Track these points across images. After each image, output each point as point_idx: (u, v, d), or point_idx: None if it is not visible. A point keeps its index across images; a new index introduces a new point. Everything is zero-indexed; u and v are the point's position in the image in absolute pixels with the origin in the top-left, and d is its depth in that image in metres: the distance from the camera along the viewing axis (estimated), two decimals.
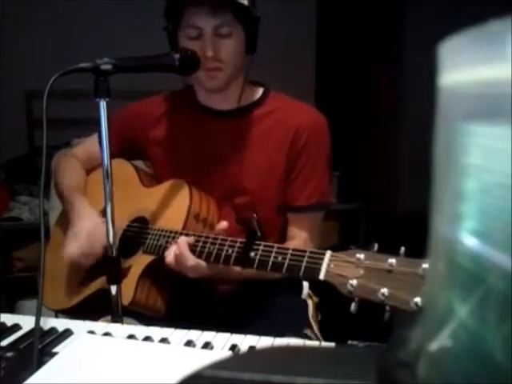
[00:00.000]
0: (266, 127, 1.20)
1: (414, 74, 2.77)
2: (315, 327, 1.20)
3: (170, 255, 1.05)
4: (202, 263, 1.03)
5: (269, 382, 0.29)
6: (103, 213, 1.24)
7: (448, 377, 0.22)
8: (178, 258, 1.04)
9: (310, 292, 1.32)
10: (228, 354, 0.81)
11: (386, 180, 3.18)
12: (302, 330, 1.16)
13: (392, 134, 3.13)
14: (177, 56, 1.06)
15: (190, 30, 1.11)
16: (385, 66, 3.18)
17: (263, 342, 0.86)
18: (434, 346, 0.22)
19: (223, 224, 1.05)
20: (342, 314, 0.84)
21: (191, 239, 1.05)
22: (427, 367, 0.23)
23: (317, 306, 1.28)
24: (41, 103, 0.93)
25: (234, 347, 0.84)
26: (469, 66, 0.21)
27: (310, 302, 1.29)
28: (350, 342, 0.85)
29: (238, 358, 0.39)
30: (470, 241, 0.21)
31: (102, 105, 0.97)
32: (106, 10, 2.87)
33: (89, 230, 1.15)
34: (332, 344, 0.85)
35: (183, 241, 1.04)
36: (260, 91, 1.25)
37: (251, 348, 0.83)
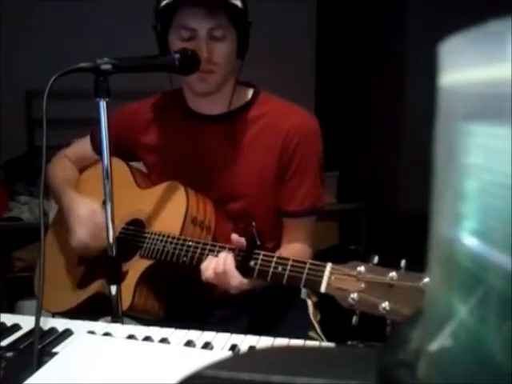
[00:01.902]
0: (257, 130, 1.19)
1: (414, 73, 2.77)
2: (317, 327, 1.20)
3: (208, 271, 1.01)
4: (245, 280, 1.00)
5: (269, 382, 0.29)
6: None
7: (448, 377, 0.22)
8: (220, 275, 0.99)
9: (309, 291, 1.32)
10: (228, 354, 0.81)
11: (386, 180, 3.19)
12: (306, 332, 1.15)
13: (392, 133, 3.13)
14: (177, 56, 1.06)
15: (183, 31, 1.09)
16: (385, 66, 3.18)
17: (263, 342, 0.86)
18: (434, 345, 0.22)
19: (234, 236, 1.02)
20: (341, 314, 0.84)
21: (232, 254, 1.01)
22: (427, 367, 0.23)
23: (316, 306, 1.28)
24: (41, 103, 0.93)
25: (234, 347, 0.84)
26: (469, 66, 0.21)
27: (309, 302, 1.28)
28: (349, 342, 0.85)
29: (238, 358, 0.39)
30: (470, 241, 0.21)
31: (102, 105, 0.97)
32: (105, 10, 2.87)
33: (89, 212, 1.16)
34: (332, 344, 0.85)
35: (230, 258, 1.00)
36: (250, 93, 1.23)
37: (251, 348, 0.83)
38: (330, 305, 0.88)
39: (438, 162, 0.23)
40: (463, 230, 0.21)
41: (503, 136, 0.19)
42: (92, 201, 1.20)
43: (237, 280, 0.99)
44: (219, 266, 0.99)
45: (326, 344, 1.01)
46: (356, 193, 3.15)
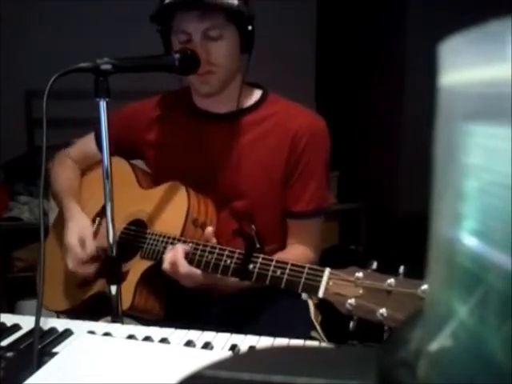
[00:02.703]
0: (265, 131, 1.19)
1: (414, 73, 2.77)
2: (318, 328, 1.19)
3: (166, 261, 1.05)
4: (197, 271, 1.02)
5: (269, 382, 0.29)
6: (101, 214, 1.24)
7: (448, 377, 0.22)
8: (172, 264, 1.03)
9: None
10: (228, 354, 0.81)
11: (386, 180, 3.19)
12: (308, 333, 1.15)
13: (392, 133, 3.13)
14: (177, 56, 1.06)
15: (180, 35, 1.10)
16: (385, 66, 3.18)
17: (263, 342, 0.86)
18: (434, 346, 0.22)
19: (209, 230, 1.06)
20: (342, 315, 0.84)
21: (188, 247, 1.04)
22: (427, 367, 0.23)
23: (317, 307, 1.28)
24: (41, 103, 0.93)
25: (234, 347, 0.84)
26: (469, 66, 0.21)
27: (310, 303, 1.28)
28: (349, 342, 0.85)
29: (238, 358, 0.39)
30: (470, 241, 0.21)
31: (102, 105, 0.97)
32: (105, 10, 2.87)
33: (79, 239, 1.16)
34: (332, 344, 0.85)
35: (180, 248, 1.04)
36: (258, 94, 1.23)
37: (251, 348, 0.83)
38: (331, 306, 0.87)
39: (437, 162, 0.23)
40: (463, 230, 0.21)
41: (503, 136, 0.19)
42: (83, 224, 1.19)
43: (184, 268, 1.02)
44: (172, 256, 1.03)
45: (325, 344, 1.01)
46: (356, 193, 3.14)
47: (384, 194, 3.19)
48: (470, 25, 0.20)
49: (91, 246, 1.15)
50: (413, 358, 0.24)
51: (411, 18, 2.98)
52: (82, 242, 1.15)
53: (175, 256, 1.03)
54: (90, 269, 1.16)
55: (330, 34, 3.26)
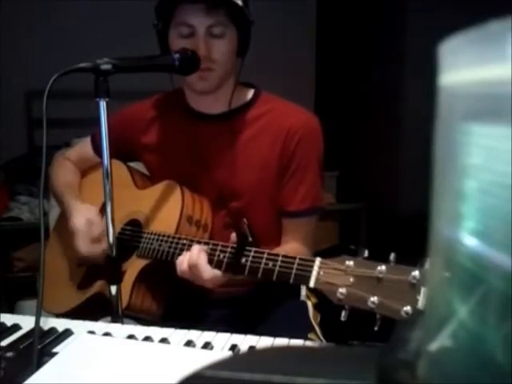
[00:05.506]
0: (258, 130, 1.19)
1: (414, 74, 2.77)
2: (317, 329, 1.19)
3: (183, 265, 1.01)
4: (218, 273, 1.00)
5: (269, 382, 0.29)
6: (102, 212, 1.24)
7: (448, 377, 0.22)
8: (193, 269, 1.00)
9: (309, 293, 1.31)
10: (228, 354, 0.81)
11: (385, 180, 3.18)
12: (306, 334, 1.15)
13: (392, 133, 3.13)
14: (177, 56, 1.06)
15: (182, 28, 1.10)
16: (385, 66, 3.18)
17: (263, 342, 0.86)
18: (434, 346, 0.22)
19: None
20: (341, 314, 0.84)
21: (205, 247, 1.02)
22: (427, 367, 0.23)
23: (316, 307, 1.28)
24: (41, 103, 0.93)
25: (234, 347, 0.84)
26: (469, 66, 0.21)
27: (309, 303, 1.28)
28: (349, 342, 0.85)
29: (238, 358, 0.39)
30: (469, 241, 0.21)
31: (102, 105, 0.97)
32: (105, 10, 2.87)
33: (85, 222, 1.16)
34: (332, 344, 0.85)
35: (200, 252, 1.00)
36: (251, 93, 1.23)
37: (251, 348, 0.83)
38: (330, 306, 0.87)
39: (437, 161, 0.23)
40: (463, 230, 0.21)
41: (503, 136, 0.19)
42: (88, 209, 1.20)
43: (208, 273, 0.99)
44: (192, 259, 1.00)
45: (325, 344, 1.01)
46: (356, 193, 3.14)
47: (384, 194, 3.19)
48: (470, 25, 0.20)
49: (99, 226, 1.15)
50: (413, 358, 0.24)
51: (411, 18, 2.98)
52: (90, 223, 1.16)
53: (197, 261, 0.99)
54: (99, 248, 1.15)
55: (330, 34, 3.26)
